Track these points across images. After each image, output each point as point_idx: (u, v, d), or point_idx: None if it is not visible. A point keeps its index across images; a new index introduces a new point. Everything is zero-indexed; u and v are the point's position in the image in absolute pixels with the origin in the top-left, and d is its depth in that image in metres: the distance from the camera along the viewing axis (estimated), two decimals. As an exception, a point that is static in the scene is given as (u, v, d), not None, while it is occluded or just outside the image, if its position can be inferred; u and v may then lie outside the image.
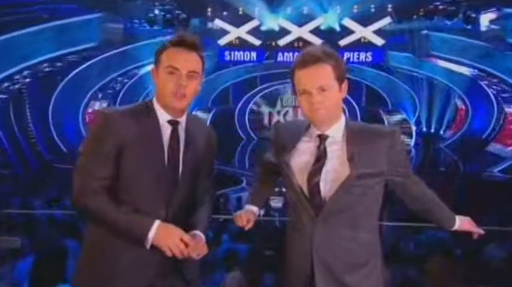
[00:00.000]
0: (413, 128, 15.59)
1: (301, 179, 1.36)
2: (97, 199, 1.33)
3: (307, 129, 1.42)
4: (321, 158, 1.35)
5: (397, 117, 16.11)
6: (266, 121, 17.15)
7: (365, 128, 1.40)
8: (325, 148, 1.36)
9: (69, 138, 12.61)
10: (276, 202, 7.34)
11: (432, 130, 15.64)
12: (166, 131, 1.43)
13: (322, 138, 1.37)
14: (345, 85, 1.36)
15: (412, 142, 15.44)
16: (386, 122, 15.91)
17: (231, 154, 14.57)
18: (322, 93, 1.31)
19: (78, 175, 1.37)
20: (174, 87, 1.38)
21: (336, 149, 1.36)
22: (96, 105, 14.15)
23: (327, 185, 1.33)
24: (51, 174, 10.10)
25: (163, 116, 1.43)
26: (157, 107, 1.44)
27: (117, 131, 1.35)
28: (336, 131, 1.38)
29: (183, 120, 1.47)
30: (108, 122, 1.36)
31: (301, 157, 1.38)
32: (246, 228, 1.53)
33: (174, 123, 1.44)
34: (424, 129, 15.74)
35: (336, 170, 1.33)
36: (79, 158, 1.39)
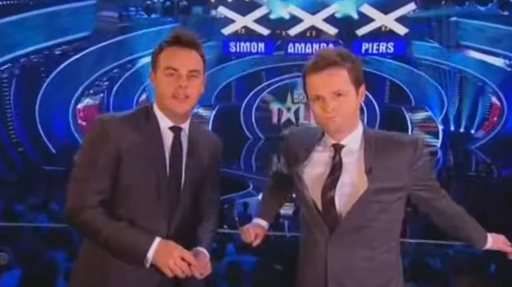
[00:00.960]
0: (440, 127, 15.46)
1: (314, 193, 1.36)
2: (92, 215, 1.34)
3: (321, 138, 1.42)
4: (336, 170, 1.35)
5: (422, 115, 16.00)
6: (275, 119, 17.14)
7: (385, 137, 1.39)
8: (340, 159, 1.36)
9: (59, 137, 12.73)
10: (286, 209, 7.34)
11: (462, 129, 15.50)
12: (167, 138, 1.44)
13: (338, 148, 1.37)
14: (362, 89, 1.36)
15: (439, 143, 15.31)
16: (409, 120, 15.84)
17: (236, 155, 14.59)
18: (338, 98, 1.31)
19: (73, 188, 1.38)
20: (174, 90, 1.39)
21: (353, 160, 1.36)
22: (88, 101, 14.27)
23: (342, 200, 1.33)
24: (38, 176, 10.19)
25: (164, 123, 1.44)
26: (158, 112, 1.45)
27: (115, 140, 1.36)
28: (353, 140, 1.38)
29: (186, 127, 1.47)
30: (106, 130, 1.37)
31: (315, 168, 1.38)
32: (254, 244, 1.54)
33: (176, 130, 1.45)
34: (453, 128, 15.60)
35: (352, 183, 1.33)
36: (74, 169, 1.39)
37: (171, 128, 1.45)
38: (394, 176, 1.33)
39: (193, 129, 1.50)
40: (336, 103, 1.30)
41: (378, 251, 1.36)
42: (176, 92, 1.39)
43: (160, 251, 1.32)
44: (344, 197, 1.33)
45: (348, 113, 1.33)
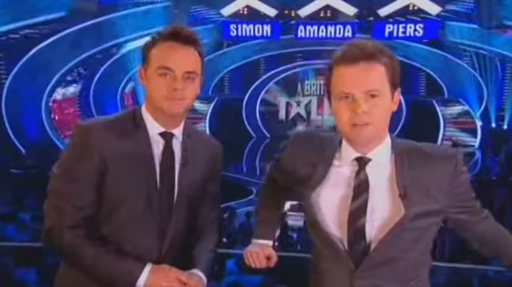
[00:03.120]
0: (478, 123, 15.41)
1: (335, 221, 1.32)
2: (75, 237, 1.37)
3: (338, 148, 1.37)
4: (361, 190, 1.30)
5: (456, 109, 15.96)
6: (282, 114, 17.15)
7: (419, 150, 1.35)
8: (366, 176, 1.31)
9: (29, 134, 12.79)
10: (296, 219, 7.34)
11: (505, 126, 15.42)
12: (158, 146, 1.48)
13: (362, 163, 1.32)
14: (397, 95, 1.31)
15: (477, 143, 15.26)
16: (441, 115, 15.79)
17: (237, 156, 14.62)
18: (371, 100, 1.24)
19: (51, 205, 1.41)
20: (167, 92, 1.41)
21: (382, 178, 1.31)
22: (64, 93, 14.32)
23: (373, 228, 1.29)
24: (5, 181, 10.24)
25: (154, 128, 1.48)
26: (146, 117, 1.48)
27: (99, 149, 1.40)
28: (381, 154, 1.33)
29: (178, 132, 1.51)
30: (87, 137, 1.41)
31: (333, 189, 1.33)
32: (271, 265, 1.54)
33: (167, 136, 1.48)
34: (494, 125, 15.53)
35: (383, 207, 1.30)
36: (52, 182, 1.43)
37: (161, 134, 1.48)
38: (432, 198, 1.31)
39: (187, 134, 1.53)
40: (369, 106, 1.24)
41: (410, 285, 1.34)
42: (170, 94, 1.41)
43: (153, 277, 1.37)
44: (375, 224, 1.29)
45: (381, 120, 1.27)
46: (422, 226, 1.30)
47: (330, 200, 1.33)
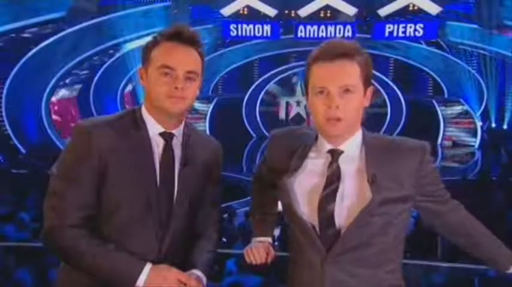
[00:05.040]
0: (479, 124, 15.42)
1: (308, 207, 1.38)
2: (75, 236, 1.39)
3: (314, 142, 1.45)
4: (333, 180, 1.38)
5: (456, 109, 15.97)
6: (282, 114, 17.16)
7: (388, 142, 1.45)
8: (338, 167, 1.39)
9: (29, 135, 12.79)
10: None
11: (505, 126, 15.43)
12: (158, 146, 1.49)
13: (335, 154, 1.40)
14: (369, 92, 1.41)
15: (477, 143, 15.26)
16: (441, 115, 15.80)
17: (237, 156, 14.62)
18: (345, 95, 1.34)
19: (51, 205, 1.42)
20: (169, 91, 1.43)
21: (353, 169, 1.39)
22: (64, 93, 14.34)
23: (342, 214, 1.36)
24: (5, 181, 10.25)
25: (154, 128, 1.49)
26: (146, 117, 1.50)
27: (99, 150, 1.41)
28: (352, 146, 1.41)
29: (178, 132, 1.52)
30: (88, 138, 1.42)
31: (308, 179, 1.41)
32: (269, 261, 1.58)
33: (167, 136, 1.50)
34: (494, 125, 15.54)
35: (353, 194, 1.36)
36: (53, 182, 1.44)
37: (161, 135, 1.49)
38: (400, 185, 1.38)
39: (187, 134, 1.54)
40: (343, 101, 1.33)
41: (381, 272, 1.39)
42: (171, 93, 1.43)
43: (152, 277, 1.38)
44: (344, 210, 1.35)
45: (353, 114, 1.37)
46: (390, 212, 1.37)
47: (304, 188, 1.41)
